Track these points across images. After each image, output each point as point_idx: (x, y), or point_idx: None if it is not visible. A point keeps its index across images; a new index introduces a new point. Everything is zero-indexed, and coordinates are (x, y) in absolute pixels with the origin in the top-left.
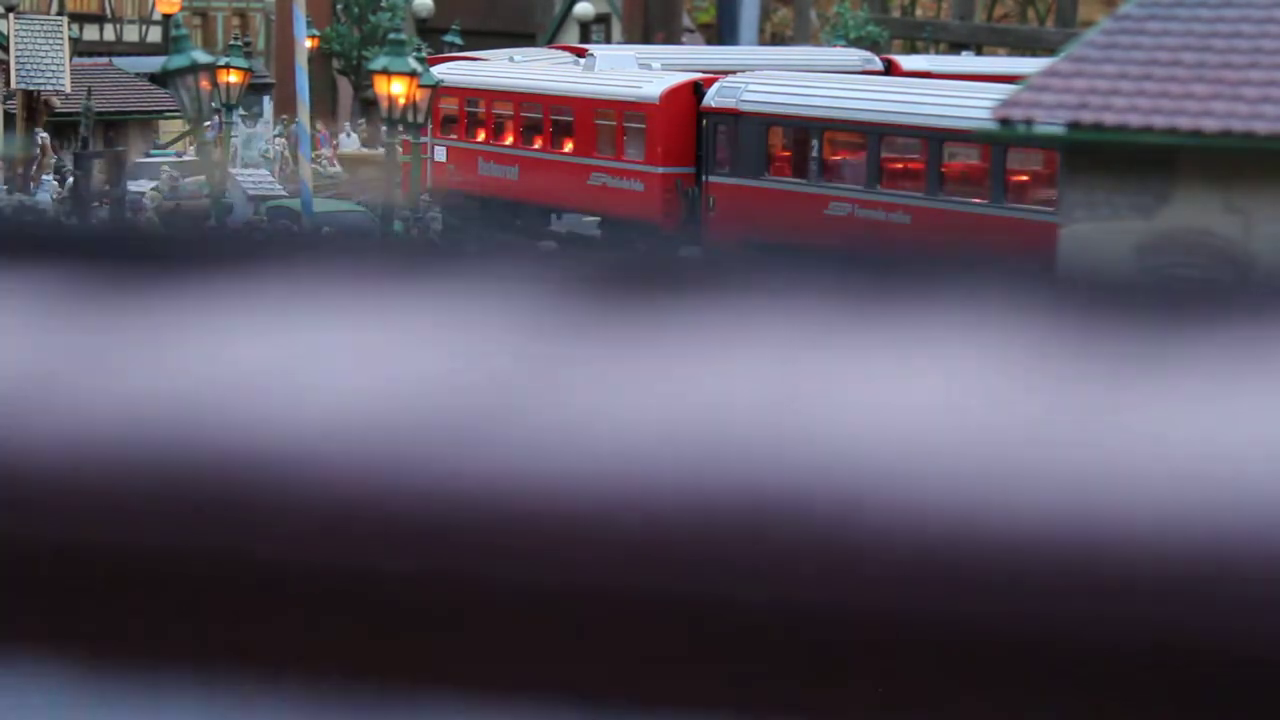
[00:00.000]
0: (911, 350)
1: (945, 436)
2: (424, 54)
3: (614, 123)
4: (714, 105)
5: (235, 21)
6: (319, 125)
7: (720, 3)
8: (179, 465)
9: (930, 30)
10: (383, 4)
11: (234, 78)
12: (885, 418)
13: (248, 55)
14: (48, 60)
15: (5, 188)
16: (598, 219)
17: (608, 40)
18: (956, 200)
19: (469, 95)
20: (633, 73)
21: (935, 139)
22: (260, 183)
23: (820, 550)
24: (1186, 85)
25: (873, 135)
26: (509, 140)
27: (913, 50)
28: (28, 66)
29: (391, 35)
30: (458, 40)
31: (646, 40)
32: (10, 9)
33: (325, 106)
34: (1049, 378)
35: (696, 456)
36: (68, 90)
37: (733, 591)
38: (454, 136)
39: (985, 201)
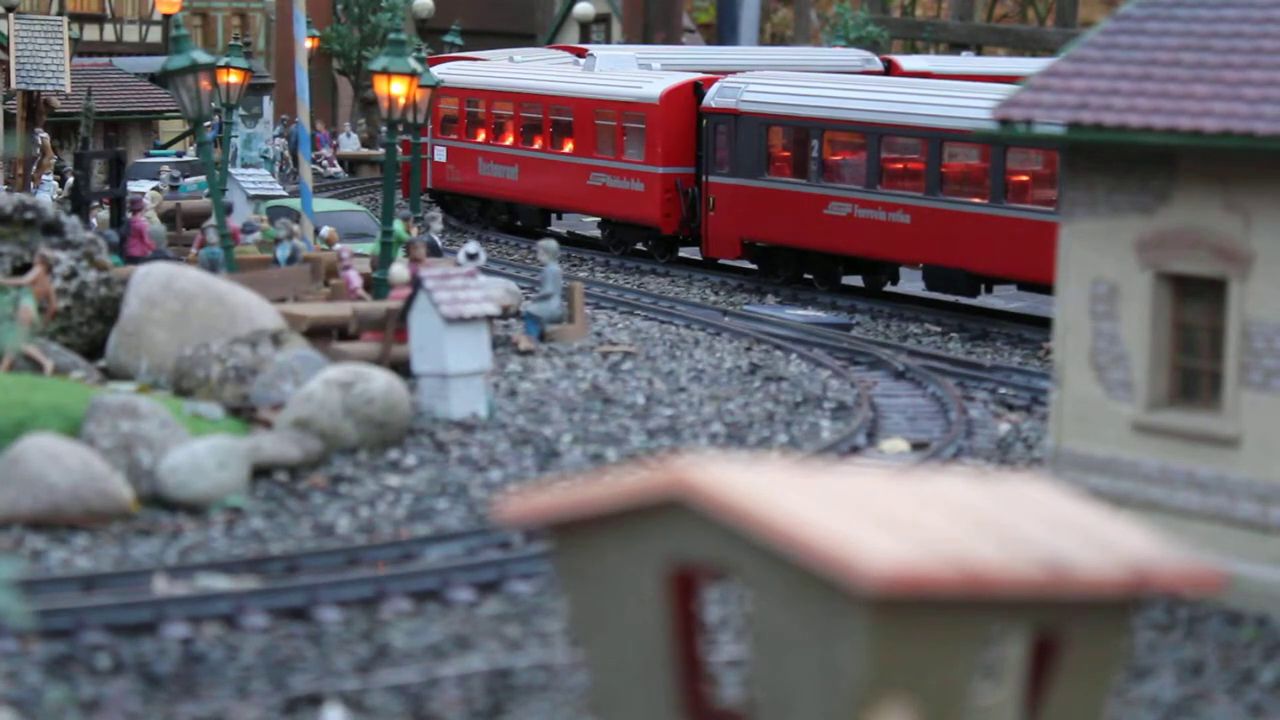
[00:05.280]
0: None
1: None
2: (424, 54)
3: (614, 123)
4: (714, 105)
5: (235, 21)
6: (319, 125)
7: (720, 3)
8: None
9: (930, 30)
10: (383, 4)
11: (234, 78)
12: None
13: (248, 55)
14: (48, 60)
15: (5, 187)
16: (597, 219)
17: (608, 40)
18: (956, 200)
19: (469, 95)
20: (633, 73)
21: (935, 139)
22: (260, 183)
23: None
24: (1186, 85)
25: (873, 135)
26: (509, 140)
27: (913, 50)
28: (28, 66)
29: (391, 35)
30: (458, 40)
31: (646, 40)
32: (10, 9)
33: (325, 106)
34: None
35: None
36: (68, 90)
37: None
38: (454, 137)
39: (985, 201)
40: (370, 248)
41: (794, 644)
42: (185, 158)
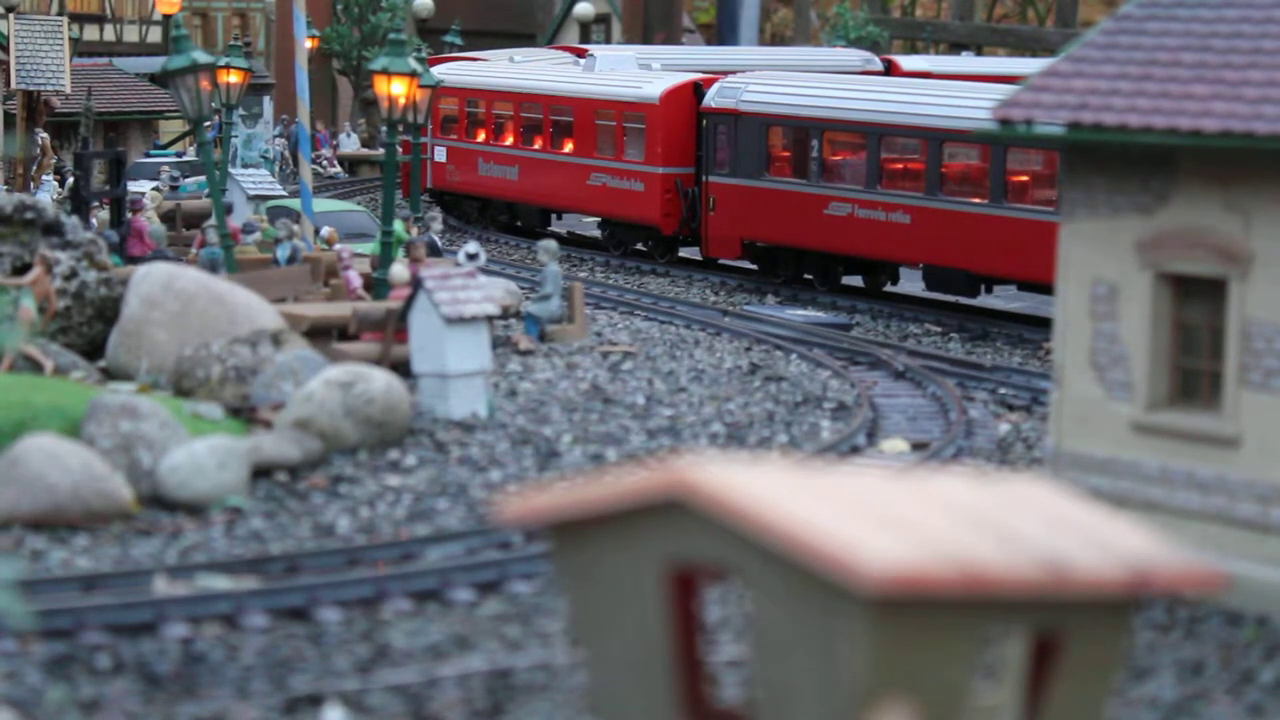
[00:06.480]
0: None
1: None
2: (424, 54)
3: (614, 123)
4: (714, 105)
5: (235, 21)
6: (319, 125)
7: (720, 3)
8: None
9: (930, 30)
10: (383, 4)
11: (234, 78)
12: None
13: (248, 55)
14: (48, 60)
15: (5, 187)
16: (597, 219)
17: (608, 40)
18: (956, 200)
19: (469, 95)
20: (633, 73)
21: (935, 139)
22: (260, 183)
23: None
24: (1186, 85)
25: (873, 135)
26: (509, 141)
27: (913, 50)
28: (28, 66)
29: (391, 35)
30: (458, 40)
31: (646, 40)
32: (10, 9)
33: (325, 106)
34: None
35: None
36: (68, 90)
37: None
38: (454, 137)
39: (985, 201)
40: (370, 248)
41: (794, 644)
42: (185, 158)
